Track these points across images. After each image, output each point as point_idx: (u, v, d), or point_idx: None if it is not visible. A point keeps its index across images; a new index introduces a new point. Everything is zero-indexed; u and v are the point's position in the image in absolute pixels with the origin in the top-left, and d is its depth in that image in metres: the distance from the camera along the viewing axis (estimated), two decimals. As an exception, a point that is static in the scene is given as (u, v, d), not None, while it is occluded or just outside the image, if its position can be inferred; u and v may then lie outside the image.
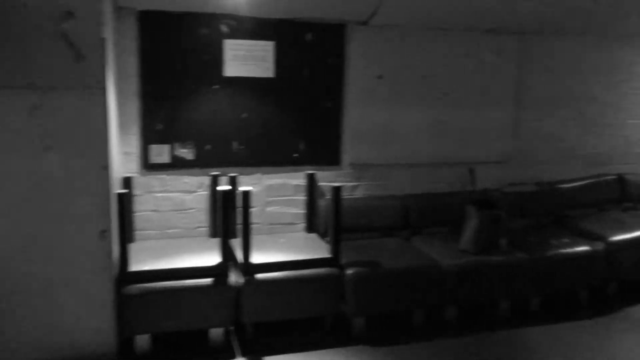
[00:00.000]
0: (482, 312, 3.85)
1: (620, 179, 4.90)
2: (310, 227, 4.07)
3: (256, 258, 3.35)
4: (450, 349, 3.42)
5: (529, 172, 4.66)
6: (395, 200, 4.22)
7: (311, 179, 4.03)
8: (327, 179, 4.07)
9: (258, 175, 3.99)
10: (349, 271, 3.44)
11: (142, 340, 3.19)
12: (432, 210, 4.25)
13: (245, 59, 3.80)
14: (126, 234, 3.14)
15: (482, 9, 3.95)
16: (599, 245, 4.02)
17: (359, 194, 4.24)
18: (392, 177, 4.33)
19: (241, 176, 3.87)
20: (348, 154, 4.18)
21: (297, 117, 4.00)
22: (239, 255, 3.35)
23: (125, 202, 3.10)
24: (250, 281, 3.28)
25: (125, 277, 3.13)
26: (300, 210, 4.09)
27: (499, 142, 4.56)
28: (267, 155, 3.98)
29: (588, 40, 4.70)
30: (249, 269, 3.30)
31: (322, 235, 3.94)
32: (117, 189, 3.24)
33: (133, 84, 3.63)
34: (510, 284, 3.77)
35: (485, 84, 4.44)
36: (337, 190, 3.41)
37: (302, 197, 4.07)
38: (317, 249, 3.65)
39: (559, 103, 4.71)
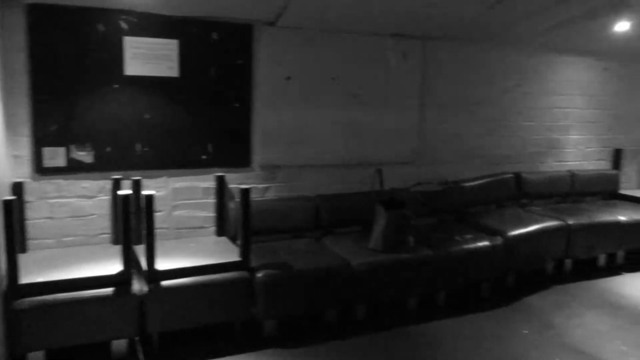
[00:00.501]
0: (393, 309, 3.95)
1: (517, 177, 5.23)
2: (221, 231, 3.98)
3: (161, 264, 3.21)
4: (362, 347, 3.47)
5: (434, 171, 4.85)
6: (307, 201, 4.23)
7: (220, 181, 3.94)
8: (237, 181, 4.00)
9: (164, 179, 3.84)
10: (259, 274, 3.39)
11: (36, 358, 2.96)
12: (343, 211, 4.31)
13: (148, 58, 3.64)
14: (16, 244, 2.89)
15: (387, 14, 4.06)
16: (498, 240, 4.26)
17: (270, 195, 4.21)
18: (303, 178, 4.34)
19: (146, 180, 3.71)
20: (259, 155, 4.13)
21: (205, 117, 3.90)
22: (143, 262, 3.20)
23: (13, 210, 2.85)
24: (155, 289, 3.14)
25: (15, 290, 2.88)
26: (210, 214, 3.99)
27: (406, 143, 4.71)
28: (174, 158, 3.84)
29: (485, 46, 4.98)
30: (154, 276, 3.16)
31: (233, 239, 3.86)
32: (5, 195, 2.98)
33: (23, 82, 3.36)
34: (417, 280, 3.89)
35: (392, 86, 4.57)
36: (245, 192, 3.35)
37: (211, 200, 3.97)
38: (227, 252, 3.57)
39: (461, 105, 4.95)
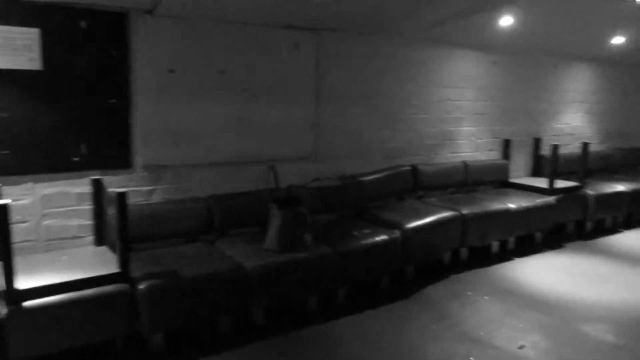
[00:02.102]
0: (292, 310, 3.79)
1: (414, 170, 5.28)
2: (100, 240, 3.61)
3: (24, 282, 2.82)
4: (259, 354, 3.28)
5: (332, 166, 4.76)
6: (197, 203, 3.96)
7: (97, 185, 3.56)
8: (117, 184, 3.64)
9: (29, 185, 3.41)
10: (142, 285, 3.09)
11: None
12: (237, 211, 4.08)
13: (2, 48, 3.20)
14: None
15: (278, 4, 3.89)
16: (396, 233, 4.24)
17: (156, 198, 3.90)
18: (193, 179, 4.06)
19: (7, 187, 3.27)
20: (141, 155, 3.80)
21: (76, 115, 3.51)
22: (1, 282, 2.79)
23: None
24: (15, 311, 2.75)
25: None
26: (87, 222, 3.61)
27: (302, 138, 4.58)
28: (40, 161, 3.42)
29: (380, 39, 4.96)
30: (14, 297, 2.77)
31: (114, 248, 3.51)
32: None
33: None
34: (316, 279, 3.77)
35: (285, 79, 4.41)
36: (121, 196, 3.03)
37: (88, 207, 3.58)
38: (104, 264, 3.22)
39: (356, 99, 4.89)
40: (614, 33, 6.23)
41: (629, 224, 6.50)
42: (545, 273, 4.80)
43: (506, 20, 5.14)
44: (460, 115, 5.74)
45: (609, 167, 7.27)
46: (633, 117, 7.86)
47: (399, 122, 5.25)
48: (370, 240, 4.08)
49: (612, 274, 4.83)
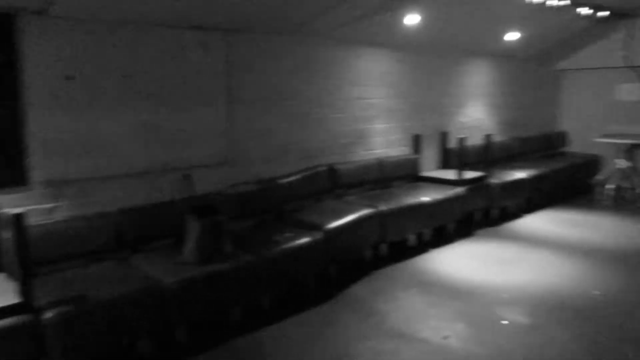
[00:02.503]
0: (217, 323, 3.64)
1: (331, 169, 5.29)
2: (-4, 267, 3.25)
3: None
4: (182, 374, 3.12)
5: (248, 171, 4.64)
6: (107, 218, 3.68)
7: (-12, 206, 3.20)
8: (13, 204, 3.29)
9: None
10: (48, 315, 2.81)
11: None
12: (151, 224, 3.86)
13: None
14: None
15: (184, 4, 3.71)
16: (319, 235, 4.22)
17: (59, 216, 3.57)
18: (100, 192, 3.78)
19: None
20: (38, 170, 3.47)
21: (-42, 129, 3.12)
22: None
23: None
24: None
25: None
26: (-22, 248, 3.23)
27: (216, 143, 4.42)
28: None
29: (291, 39, 4.90)
30: None
31: (14, 275, 3.17)
32: None
33: None
34: (240, 289, 3.64)
35: (195, 83, 4.23)
36: (18, 217, 2.74)
37: (-22, 231, 3.21)
38: (4, 293, 2.89)
39: (270, 100, 4.81)
40: (508, 29, 6.63)
41: (529, 209, 6.96)
42: (460, 261, 5.00)
43: (411, 19, 5.28)
44: (372, 113, 5.83)
45: (509, 156, 7.74)
46: (527, 108, 8.43)
47: (314, 122, 5.23)
48: (293, 244, 4.02)
49: (519, 258, 5.13)
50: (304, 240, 4.10)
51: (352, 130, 5.64)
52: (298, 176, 4.95)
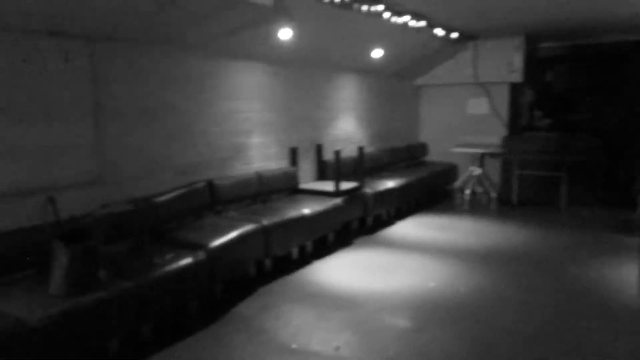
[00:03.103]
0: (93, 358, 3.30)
1: (210, 185, 5.10)
2: None
3: None
4: None
5: (122, 190, 4.30)
6: (-50, 252, 3.16)
7: None
8: None
9: None
10: None
11: None
12: (9, 255, 3.38)
13: None
14: None
15: (40, 7, 3.33)
16: (201, 254, 4.03)
17: None
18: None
19: None
20: None
21: None
22: None
23: None
24: None
25: None
26: None
27: (83, 161, 4.03)
28: None
29: (165, 50, 4.67)
30: None
31: None
32: None
33: None
34: (118, 319, 3.33)
35: (57, 95, 3.82)
36: None
37: None
38: None
39: (143, 114, 4.52)
40: (374, 47, 7.00)
41: (399, 216, 7.37)
42: (343, 271, 5.12)
43: (285, 34, 5.33)
44: (249, 127, 5.76)
45: (379, 167, 8.14)
46: (392, 120, 8.96)
47: (191, 137, 5.02)
48: (174, 266, 3.79)
49: (397, 263, 5.39)
50: (186, 261, 3.89)
51: (230, 144, 5.52)
52: (176, 193, 4.69)
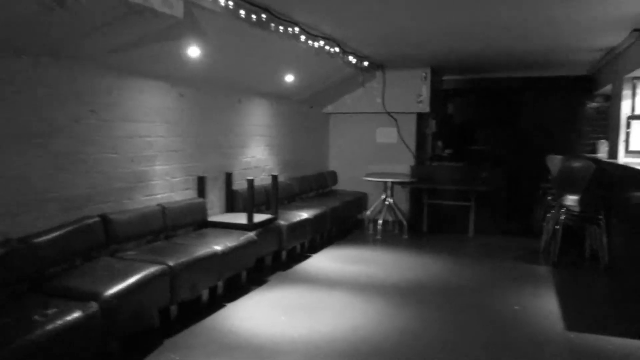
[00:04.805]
0: None
1: (104, 220, 4.36)
2: None
3: None
4: None
5: (-10, 229, 3.49)
6: None
7: None
8: None
9: None
10: None
11: None
12: None
13: None
14: None
15: None
16: (93, 306, 3.33)
17: None
18: None
19: None
20: None
21: None
22: None
23: None
24: None
25: None
26: None
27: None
28: None
29: (53, 63, 3.95)
30: None
31: None
32: None
33: None
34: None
35: None
36: None
37: None
38: None
39: (21, 137, 3.75)
40: (285, 72, 6.67)
41: (313, 248, 6.99)
42: (260, 314, 4.60)
43: (193, 52, 4.83)
44: (152, 153, 5.10)
45: (289, 196, 7.75)
46: (303, 148, 8.64)
47: (80, 164, 4.29)
48: (59, 323, 3.07)
49: (319, 303, 4.96)
50: (74, 315, 3.18)
51: (129, 173, 4.82)
52: (61, 231, 3.92)
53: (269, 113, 7.47)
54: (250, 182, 5.65)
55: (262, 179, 6.95)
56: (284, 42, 5.50)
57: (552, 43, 6.64)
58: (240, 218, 5.71)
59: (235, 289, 5.11)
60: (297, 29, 5.44)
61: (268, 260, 5.99)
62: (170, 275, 4.12)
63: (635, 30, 5.58)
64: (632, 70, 6.21)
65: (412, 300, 5.05)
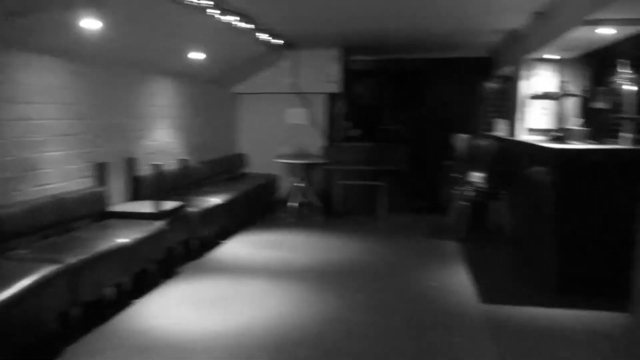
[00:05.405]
0: None
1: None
2: None
3: None
4: None
5: None
6: None
7: None
8: None
9: None
10: None
11: None
12: None
13: None
14: None
15: None
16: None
17: None
18: None
19: None
20: None
21: None
22: None
23: None
24: None
25: None
26: None
27: None
28: None
29: None
30: None
31: None
32: None
33: None
34: None
35: None
36: None
37: None
38: None
39: None
40: (192, 48, 6.26)
41: (225, 235, 6.72)
42: (172, 310, 4.30)
43: (89, 23, 4.33)
44: (42, 138, 4.53)
45: (198, 181, 7.37)
46: (211, 130, 8.26)
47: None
48: None
49: (235, 293, 4.75)
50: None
51: (15, 161, 4.25)
52: None
53: (175, 93, 7.01)
54: (156, 167, 5.26)
55: (168, 164, 6.52)
56: (192, 17, 5.11)
57: (455, 25, 6.80)
58: (146, 207, 5.30)
59: (144, 285, 4.74)
60: (207, 1, 5.05)
61: (178, 250, 5.64)
62: (70, 275, 3.70)
63: (536, 12, 5.80)
64: (530, 51, 6.50)
65: (330, 285, 4.99)
